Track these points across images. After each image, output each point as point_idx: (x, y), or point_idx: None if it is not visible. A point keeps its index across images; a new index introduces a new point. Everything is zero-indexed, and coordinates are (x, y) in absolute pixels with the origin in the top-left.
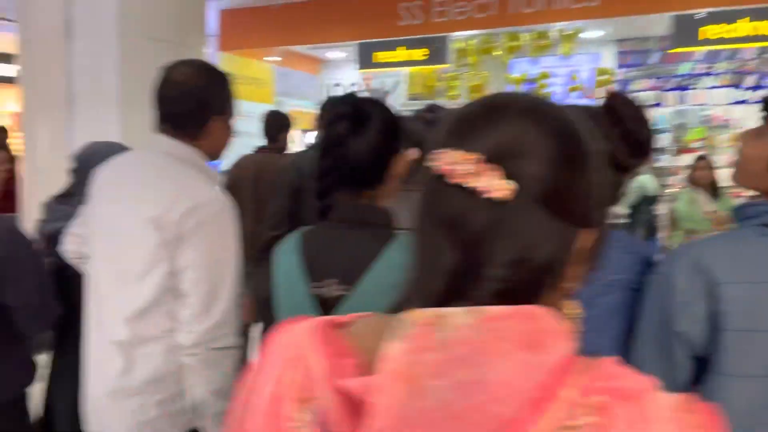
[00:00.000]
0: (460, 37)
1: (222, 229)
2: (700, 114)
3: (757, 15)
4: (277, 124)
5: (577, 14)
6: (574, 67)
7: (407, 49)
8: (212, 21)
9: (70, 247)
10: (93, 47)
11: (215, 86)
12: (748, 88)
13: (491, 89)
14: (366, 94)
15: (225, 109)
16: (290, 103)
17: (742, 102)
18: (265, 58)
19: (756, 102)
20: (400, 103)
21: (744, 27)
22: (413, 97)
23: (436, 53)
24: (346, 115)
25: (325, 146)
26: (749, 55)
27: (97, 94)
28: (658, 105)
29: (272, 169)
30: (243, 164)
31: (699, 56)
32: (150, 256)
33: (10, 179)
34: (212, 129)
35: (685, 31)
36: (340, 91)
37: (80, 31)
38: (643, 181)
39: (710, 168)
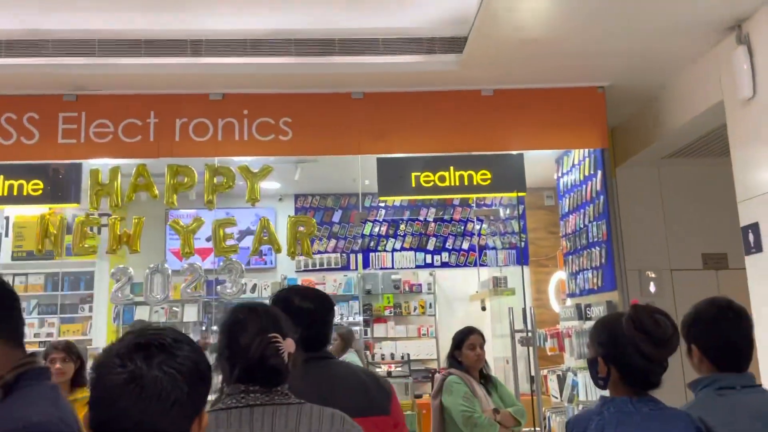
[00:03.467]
0: (98, 165)
1: None
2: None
3: (462, 164)
4: None
5: (261, 148)
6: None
7: (6, 179)
8: None
9: None
10: None
11: None
12: (430, 252)
13: (151, 240)
14: None
15: None
16: None
17: (428, 266)
18: None
19: (439, 267)
20: None
21: (452, 175)
22: (21, 255)
23: (59, 188)
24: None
25: None
26: (427, 216)
27: None
28: (343, 268)
29: None
30: None
31: (380, 215)
32: None
33: None
34: None
35: (396, 178)
36: None
37: None
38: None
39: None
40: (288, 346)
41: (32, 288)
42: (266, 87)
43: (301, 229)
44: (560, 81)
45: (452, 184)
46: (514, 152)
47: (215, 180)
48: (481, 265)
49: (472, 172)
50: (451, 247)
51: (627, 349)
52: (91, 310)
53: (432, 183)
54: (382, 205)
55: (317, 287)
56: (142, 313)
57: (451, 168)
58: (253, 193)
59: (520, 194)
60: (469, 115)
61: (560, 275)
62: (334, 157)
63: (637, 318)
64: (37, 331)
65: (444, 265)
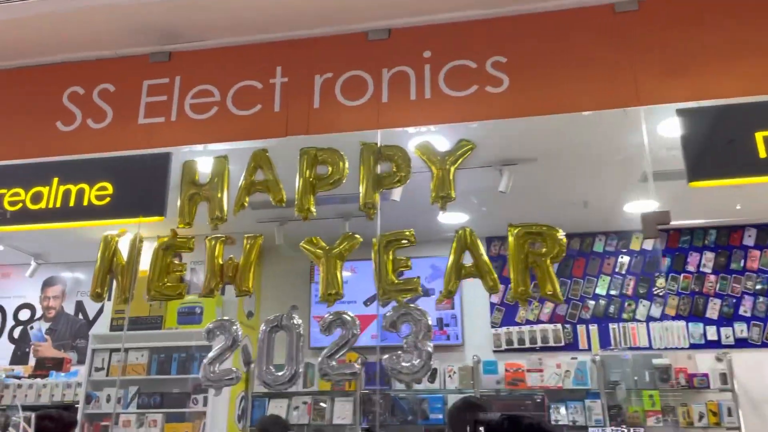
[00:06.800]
0: (193, 157)
1: None
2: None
3: None
4: None
5: (455, 111)
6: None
7: (62, 183)
8: None
9: None
10: None
11: None
12: (712, 322)
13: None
14: None
15: None
16: None
17: (711, 345)
18: None
19: (733, 346)
20: None
21: None
22: (122, 324)
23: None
24: None
25: None
26: (702, 266)
27: None
28: (568, 347)
29: None
30: None
31: (620, 266)
32: None
33: None
34: None
35: (721, 144)
36: None
37: None
38: None
39: None
40: None
41: (132, 369)
42: (459, 8)
43: (538, 248)
44: None
45: None
46: None
47: (378, 169)
48: None
49: None
50: (749, 314)
51: None
52: (206, 402)
53: None
54: (624, 249)
55: (530, 374)
56: (277, 408)
57: None
58: (443, 188)
59: None
60: None
61: None
62: (558, 160)
63: None
64: None
65: (740, 343)
